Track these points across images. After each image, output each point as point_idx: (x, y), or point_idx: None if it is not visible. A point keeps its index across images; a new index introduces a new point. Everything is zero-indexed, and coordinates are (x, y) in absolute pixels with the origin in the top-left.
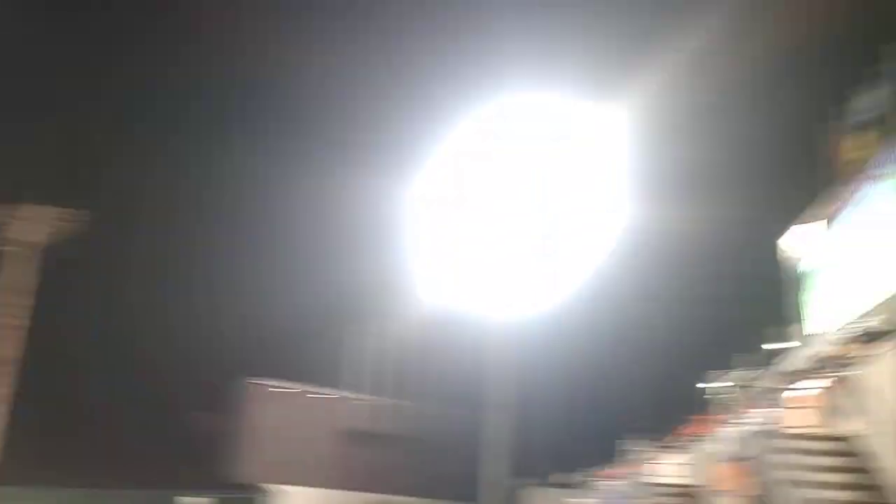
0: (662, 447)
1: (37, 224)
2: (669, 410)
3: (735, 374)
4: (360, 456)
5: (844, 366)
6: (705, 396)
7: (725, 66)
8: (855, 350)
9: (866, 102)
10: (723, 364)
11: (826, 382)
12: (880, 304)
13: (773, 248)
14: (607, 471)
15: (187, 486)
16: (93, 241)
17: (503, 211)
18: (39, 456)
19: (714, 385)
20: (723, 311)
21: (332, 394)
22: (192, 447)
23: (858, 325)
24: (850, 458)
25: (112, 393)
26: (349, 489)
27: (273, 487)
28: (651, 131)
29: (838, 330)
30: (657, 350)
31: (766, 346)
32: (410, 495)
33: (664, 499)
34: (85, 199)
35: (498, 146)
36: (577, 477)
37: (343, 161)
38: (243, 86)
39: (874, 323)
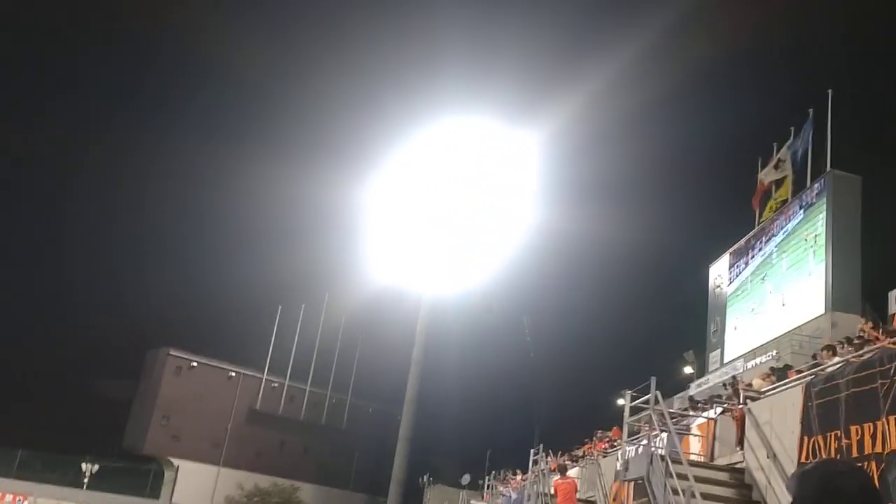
0: (564, 458)
1: None
2: (578, 419)
3: (644, 393)
4: (265, 437)
5: (746, 397)
6: (615, 410)
7: (653, 84)
8: (757, 382)
9: (793, 139)
10: (635, 379)
11: (724, 412)
12: (784, 339)
13: (697, 270)
14: (510, 475)
15: (91, 451)
16: (22, 187)
17: (433, 206)
18: None
19: (620, 402)
20: (642, 326)
21: (247, 373)
22: (100, 413)
23: (766, 358)
24: (738, 489)
25: (20, 350)
26: (249, 470)
27: (173, 461)
28: (570, 148)
29: (747, 360)
30: (571, 357)
31: (680, 367)
32: (313, 481)
33: None
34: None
35: (434, 155)
36: (481, 478)
37: (301, 154)
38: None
39: (777, 357)
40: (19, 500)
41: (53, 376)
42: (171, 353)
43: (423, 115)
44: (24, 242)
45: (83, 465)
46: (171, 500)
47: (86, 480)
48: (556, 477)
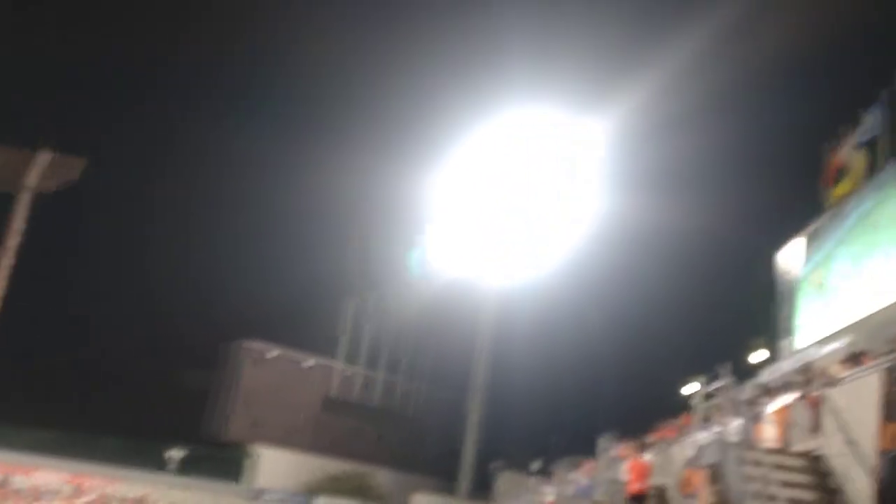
0: (635, 445)
1: (44, 171)
2: (645, 408)
3: (714, 380)
4: (340, 424)
5: (822, 383)
6: (683, 398)
7: (723, 73)
8: (834, 368)
9: (864, 123)
10: (703, 368)
11: (801, 398)
12: (860, 325)
13: (766, 258)
14: (581, 462)
15: (173, 438)
16: (102, 190)
17: (499, 197)
18: (25, 398)
19: (692, 389)
20: (710, 315)
21: (322, 362)
22: (182, 402)
23: (841, 344)
24: (815, 477)
25: (106, 343)
26: (327, 455)
27: (254, 447)
28: (641, 134)
29: (821, 346)
30: (638, 347)
31: (750, 355)
32: (387, 467)
33: (630, 497)
34: (99, 149)
35: (500, 145)
36: (551, 465)
37: (362, 146)
38: (270, 67)
39: (855, 342)
40: (109, 485)
41: (139, 368)
42: (249, 344)
43: (486, 107)
44: (108, 240)
45: (169, 452)
46: (253, 484)
47: (172, 467)
48: (630, 460)
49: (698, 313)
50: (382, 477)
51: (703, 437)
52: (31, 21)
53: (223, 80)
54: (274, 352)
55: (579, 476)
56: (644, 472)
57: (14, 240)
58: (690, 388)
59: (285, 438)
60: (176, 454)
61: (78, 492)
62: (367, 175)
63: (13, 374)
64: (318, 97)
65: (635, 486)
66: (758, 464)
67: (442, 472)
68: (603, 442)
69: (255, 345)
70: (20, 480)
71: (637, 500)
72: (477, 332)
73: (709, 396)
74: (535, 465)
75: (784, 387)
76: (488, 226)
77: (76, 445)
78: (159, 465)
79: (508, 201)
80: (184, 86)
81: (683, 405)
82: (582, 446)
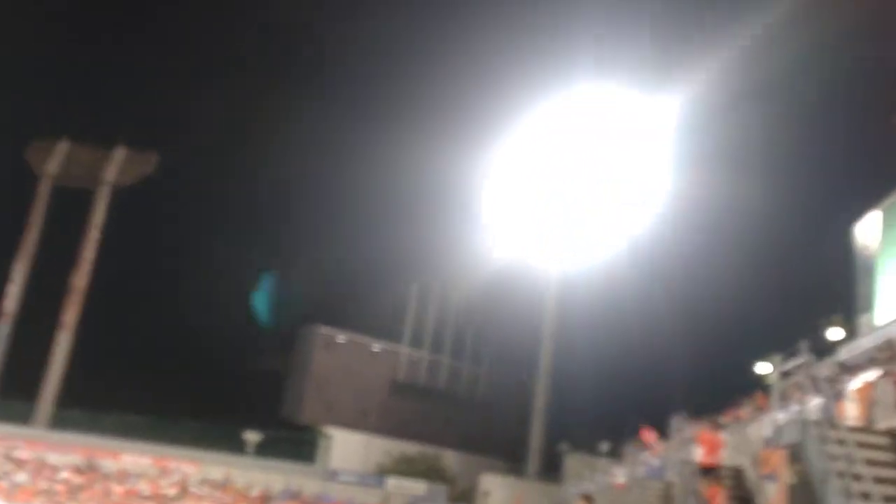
0: (708, 425)
1: (121, 166)
2: (718, 388)
3: (791, 358)
4: (408, 407)
5: None
6: (757, 378)
7: (794, 48)
8: None
9: None
10: (778, 347)
11: (884, 375)
12: None
13: (844, 233)
14: (651, 442)
15: (251, 421)
16: (173, 183)
17: (563, 178)
18: (109, 384)
19: (768, 367)
20: (785, 293)
21: (389, 347)
22: (258, 386)
23: None
24: None
25: (185, 330)
26: (396, 438)
27: (327, 429)
28: (712, 112)
29: None
30: (710, 326)
31: (827, 332)
32: (455, 449)
33: (705, 477)
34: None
35: (563, 124)
36: (620, 446)
37: (421, 129)
38: (332, 53)
39: None
40: (193, 466)
41: (218, 355)
42: (320, 329)
43: (550, 83)
44: (183, 230)
45: (246, 435)
46: (327, 465)
47: (250, 449)
48: (701, 434)
49: (772, 291)
50: (451, 458)
51: (780, 416)
52: (98, 24)
53: (287, 68)
54: (343, 336)
55: (650, 457)
56: (716, 445)
57: (95, 233)
58: (765, 367)
59: (356, 421)
60: (253, 437)
61: (162, 474)
62: (430, 155)
63: (98, 361)
64: (381, 76)
65: (707, 459)
66: (841, 442)
67: (510, 454)
68: (675, 422)
69: (326, 329)
70: (107, 464)
71: (708, 473)
72: (541, 314)
73: (785, 375)
74: (604, 447)
75: (866, 364)
76: (553, 206)
77: (160, 429)
78: (238, 447)
79: (573, 180)
80: (250, 77)
81: (757, 385)
82: (654, 427)
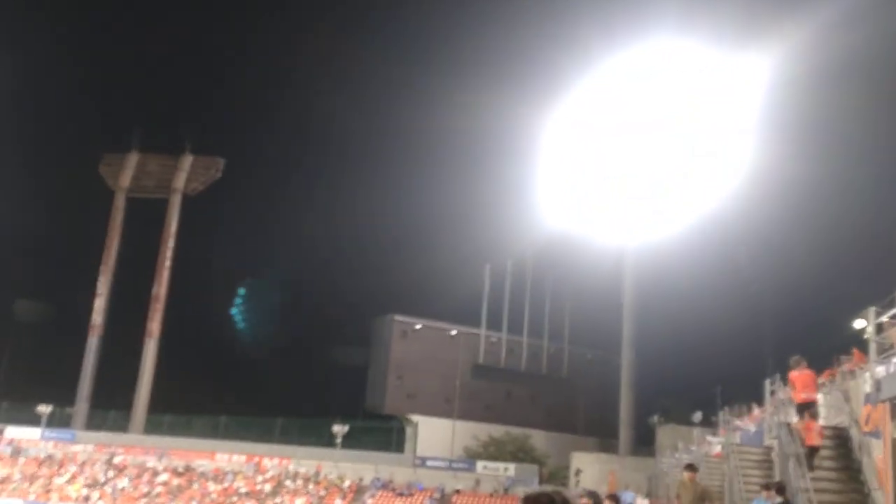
0: (799, 405)
1: (190, 172)
2: (815, 347)
3: (888, 310)
4: (491, 390)
5: None
6: (853, 334)
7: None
8: None
9: None
10: (874, 302)
11: None
12: None
13: None
14: (746, 408)
15: (338, 414)
16: (239, 186)
17: (637, 143)
18: (197, 387)
19: (858, 324)
20: (872, 245)
21: (467, 330)
22: (341, 380)
23: None
24: None
25: (268, 330)
26: (481, 421)
27: (411, 417)
28: (801, 77)
29: None
30: (801, 286)
31: None
32: (542, 429)
33: (800, 412)
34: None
35: (637, 83)
36: (713, 415)
37: (492, 90)
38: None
39: None
40: (284, 461)
41: (299, 351)
42: (396, 318)
43: (621, 37)
44: (255, 232)
45: (334, 427)
46: (414, 453)
47: (338, 441)
48: (793, 372)
49: (862, 243)
50: (539, 438)
51: (879, 370)
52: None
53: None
54: (420, 323)
55: (746, 423)
56: (807, 381)
57: (171, 240)
58: (860, 323)
59: (439, 407)
60: (340, 428)
61: (257, 470)
62: (501, 124)
63: (184, 366)
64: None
65: (800, 396)
66: None
67: (599, 430)
68: (769, 385)
69: (402, 318)
70: (203, 464)
71: (803, 408)
72: (619, 287)
73: (881, 328)
74: (697, 417)
75: None
76: (628, 176)
77: (251, 428)
78: (327, 440)
79: (648, 147)
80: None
81: (854, 341)
82: (747, 392)
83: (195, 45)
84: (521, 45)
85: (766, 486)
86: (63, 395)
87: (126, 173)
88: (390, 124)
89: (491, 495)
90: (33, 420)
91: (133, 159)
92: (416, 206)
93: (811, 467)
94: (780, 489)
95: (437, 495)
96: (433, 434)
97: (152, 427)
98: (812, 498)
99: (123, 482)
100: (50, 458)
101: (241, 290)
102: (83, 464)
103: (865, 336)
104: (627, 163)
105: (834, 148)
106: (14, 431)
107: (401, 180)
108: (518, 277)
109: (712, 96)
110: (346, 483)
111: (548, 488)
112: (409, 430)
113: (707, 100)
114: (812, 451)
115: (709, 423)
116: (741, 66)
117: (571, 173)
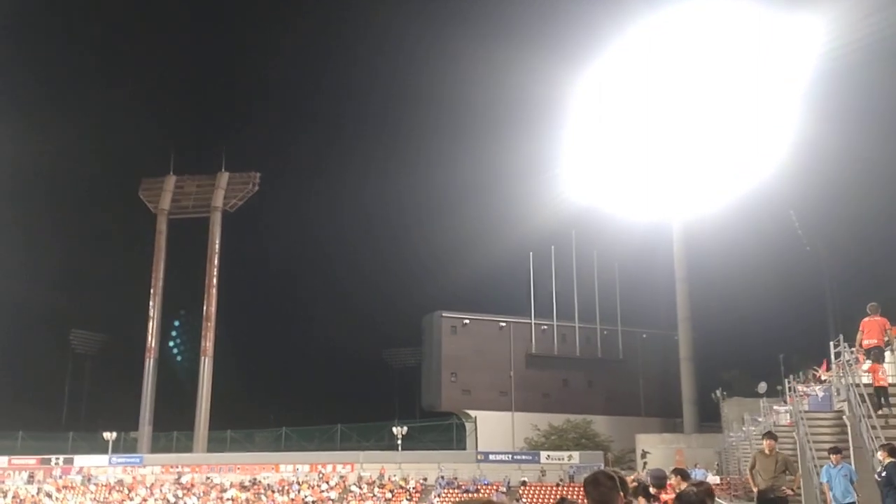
0: (865, 351)
1: (227, 189)
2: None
3: None
4: (547, 378)
5: None
6: None
7: None
8: None
9: None
10: None
11: None
12: None
13: None
14: (812, 374)
15: (396, 415)
16: (273, 199)
17: (678, 110)
18: (253, 400)
19: None
20: None
21: (517, 320)
22: (396, 381)
23: None
24: None
25: (311, 339)
26: (540, 411)
27: (469, 413)
28: (851, 48)
29: None
30: (854, 246)
31: None
32: (603, 413)
33: (879, 409)
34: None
35: (678, 44)
36: (779, 384)
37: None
38: None
39: None
40: (347, 467)
41: (351, 356)
42: (444, 314)
43: None
44: (297, 243)
45: (394, 429)
46: (476, 448)
47: (399, 442)
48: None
49: None
50: (601, 423)
51: None
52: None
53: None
54: (468, 318)
55: (813, 389)
56: (875, 328)
57: (216, 258)
58: None
59: (496, 400)
60: (400, 429)
61: (321, 478)
62: (534, 96)
63: (241, 382)
64: None
65: (865, 342)
66: None
67: (662, 410)
68: (834, 347)
69: (450, 314)
70: (268, 476)
71: (869, 353)
72: (669, 263)
73: None
74: (762, 387)
75: None
76: (669, 147)
77: (312, 437)
78: (388, 442)
79: (692, 116)
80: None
81: None
82: (812, 357)
83: (215, 60)
84: (553, 4)
85: (835, 451)
86: (126, 421)
87: (166, 196)
88: (418, 120)
89: (557, 485)
90: (100, 448)
91: (171, 181)
92: (451, 203)
93: (879, 406)
94: (893, 451)
95: (503, 489)
96: (493, 428)
97: (215, 445)
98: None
99: (193, 500)
100: (120, 482)
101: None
102: (152, 486)
103: None
104: (668, 132)
105: (886, 118)
106: (83, 460)
107: (441, 181)
108: (562, 261)
109: (760, 59)
110: (411, 484)
111: (602, 470)
112: (468, 426)
113: (755, 63)
114: (879, 391)
115: (775, 393)
116: (793, 29)
117: (609, 146)
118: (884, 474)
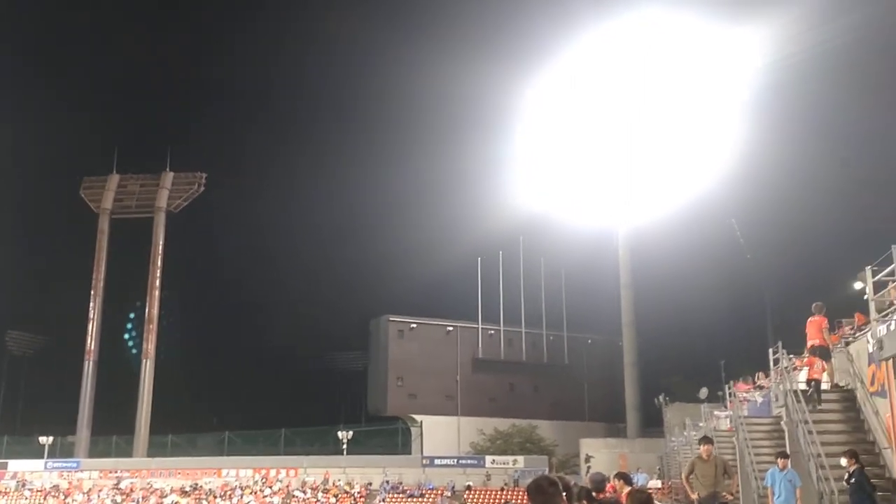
0: (808, 350)
1: (171, 189)
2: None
3: (885, 269)
4: (493, 383)
5: None
6: (854, 296)
7: None
8: None
9: None
10: (867, 262)
11: None
12: None
13: None
14: (752, 379)
15: (341, 420)
16: (219, 200)
17: (625, 119)
18: (195, 404)
19: (863, 282)
20: (870, 209)
21: (464, 325)
22: (342, 385)
23: None
24: None
25: (256, 342)
26: (486, 415)
27: (415, 417)
28: (792, 61)
29: None
30: (795, 251)
31: None
32: (548, 418)
33: (811, 403)
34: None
35: (620, 59)
36: (717, 390)
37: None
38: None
39: None
40: (291, 472)
41: (297, 360)
42: (391, 318)
43: (609, 4)
44: (242, 246)
45: (339, 433)
46: (422, 453)
47: (344, 446)
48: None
49: (857, 207)
50: (546, 428)
51: (881, 329)
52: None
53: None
54: (415, 322)
55: (752, 395)
56: (813, 328)
57: (159, 259)
58: (859, 285)
59: (443, 404)
60: (345, 434)
61: (265, 483)
62: (481, 100)
63: (184, 385)
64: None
65: (814, 343)
66: None
67: (606, 415)
68: (774, 354)
69: (396, 318)
70: (211, 481)
71: (814, 351)
72: (613, 271)
73: (880, 288)
74: (703, 393)
75: None
76: (617, 158)
77: (255, 442)
78: (333, 447)
79: (638, 125)
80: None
81: (855, 302)
82: (751, 364)
83: (162, 58)
84: (504, 13)
85: (783, 455)
86: (63, 425)
87: (108, 195)
88: (368, 122)
89: (502, 489)
90: (36, 452)
91: (114, 181)
92: (408, 207)
93: (812, 400)
94: (855, 455)
95: (448, 493)
96: (439, 432)
97: (156, 449)
98: (825, 462)
99: None
100: (56, 488)
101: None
102: (89, 491)
103: (864, 296)
104: (616, 140)
105: (825, 128)
106: (17, 465)
107: (391, 185)
108: (510, 266)
109: (704, 70)
110: (356, 488)
111: (546, 475)
112: (414, 431)
113: (699, 74)
114: (817, 386)
115: (716, 399)
116: (735, 41)
117: (557, 153)
118: (853, 480)
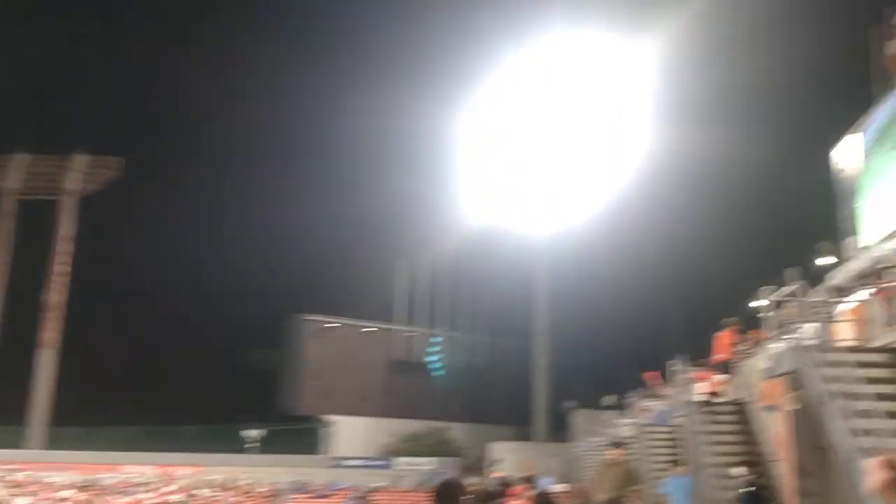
0: (706, 364)
1: (83, 173)
2: (715, 328)
3: (782, 288)
4: (409, 385)
5: (894, 275)
6: (752, 313)
7: None
8: None
9: None
10: (770, 280)
11: (875, 293)
12: None
13: (822, 161)
14: (651, 390)
15: (252, 418)
16: (133, 186)
17: (539, 136)
18: (98, 397)
19: (760, 301)
20: (769, 225)
21: (382, 326)
22: (253, 382)
23: None
24: None
25: (170, 335)
26: (400, 417)
27: (327, 418)
28: (686, 60)
29: (889, 240)
30: (698, 266)
31: (816, 260)
32: (460, 421)
33: (707, 415)
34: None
35: (537, 78)
36: (622, 398)
37: (395, 86)
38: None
39: None
40: (196, 471)
41: (208, 356)
42: (307, 317)
43: (520, 31)
44: (157, 235)
45: (248, 432)
46: (332, 453)
47: (252, 446)
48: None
49: (760, 230)
50: (457, 431)
51: (777, 346)
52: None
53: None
54: (333, 322)
55: (654, 404)
56: (718, 343)
57: (66, 245)
58: (759, 302)
59: (357, 405)
60: (254, 433)
61: (166, 481)
62: (404, 117)
63: (88, 376)
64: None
65: (720, 358)
66: (837, 364)
67: (516, 419)
68: (674, 366)
69: (313, 317)
70: (108, 477)
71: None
72: (531, 276)
73: (778, 305)
74: (608, 400)
75: (856, 285)
76: (533, 165)
77: (158, 438)
78: (241, 445)
79: (551, 136)
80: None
81: (754, 320)
82: (655, 374)
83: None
84: (427, 43)
85: (679, 463)
86: None
87: (14, 175)
88: (300, 122)
89: (409, 491)
90: None
91: (21, 160)
92: (329, 206)
93: (708, 412)
94: (748, 465)
95: (354, 494)
96: (351, 433)
97: (54, 442)
98: (720, 472)
99: (23, 501)
100: None
101: None
102: None
103: (759, 314)
104: (536, 154)
105: (722, 125)
106: None
107: (313, 180)
108: (436, 274)
109: (610, 82)
110: (262, 488)
111: (452, 478)
112: (325, 431)
113: (605, 86)
114: (711, 398)
115: (620, 407)
116: (633, 51)
117: (486, 168)
118: (747, 489)
